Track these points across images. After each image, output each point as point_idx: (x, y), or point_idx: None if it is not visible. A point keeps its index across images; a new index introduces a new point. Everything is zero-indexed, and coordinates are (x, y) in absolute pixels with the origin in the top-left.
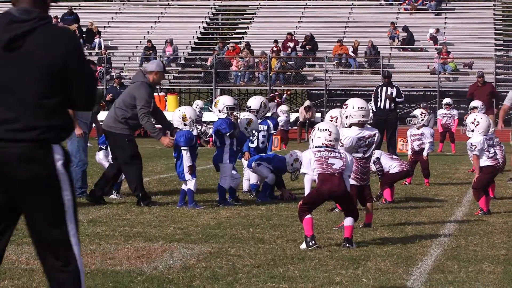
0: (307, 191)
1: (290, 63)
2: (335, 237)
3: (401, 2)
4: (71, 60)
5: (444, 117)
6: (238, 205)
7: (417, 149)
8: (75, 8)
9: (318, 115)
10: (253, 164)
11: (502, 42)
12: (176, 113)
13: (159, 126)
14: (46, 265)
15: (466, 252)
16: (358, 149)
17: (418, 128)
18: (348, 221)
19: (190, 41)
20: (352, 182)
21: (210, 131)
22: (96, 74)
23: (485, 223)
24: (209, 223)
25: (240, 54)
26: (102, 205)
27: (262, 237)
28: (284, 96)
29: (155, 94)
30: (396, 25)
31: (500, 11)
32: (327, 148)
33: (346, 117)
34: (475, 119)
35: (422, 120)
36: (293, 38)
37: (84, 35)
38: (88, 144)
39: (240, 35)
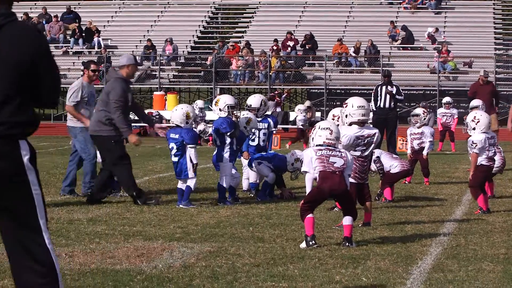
0: (308, 190)
1: (290, 62)
2: (335, 236)
3: (401, 1)
4: (38, 57)
5: (443, 116)
6: (238, 204)
7: (417, 148)
8: (74, 7)
9: (318, 114)
10: (254, 162)
11: (502, 41)
12: (179, 111)
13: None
14: (18, 266)
15: (466, 251)
16: (356, 147)
17: (419, 127)
18: (347, 220)
19: (190, 40)
20: (351, 180)
21: (210, 130)
22: (97, 73)
23: (484, 222)
24: (208, 222)
25: (240, 53)
26: (101, 204)
27: (261, 236)
28: (284, 95)
29: (156, 93)
30: (396, 24)
31: (500, 10)
32: (328, 147)
33: (346, 116)
34: (475, 117)
35: (425, 119)
36: (293, 37)
37: (83, 34)
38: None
39: (240, 34)
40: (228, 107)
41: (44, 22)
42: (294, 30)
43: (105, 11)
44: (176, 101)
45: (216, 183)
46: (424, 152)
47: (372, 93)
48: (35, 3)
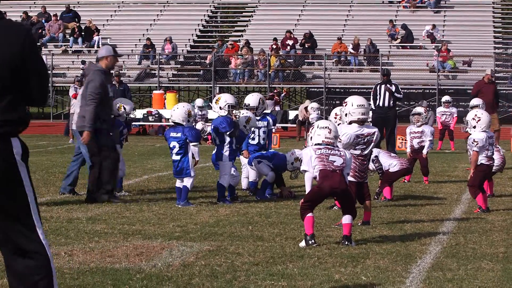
0: (308, 189)
1: (289, 61)
2: (334, 235)
3: (401, 0)
4: (25, 55)
5: (443, 115)
6: (237, 203)
7: (417, 147)
8: (73, 6)
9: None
10: (254, 161)
11: (501, 40)
12: (180, 110)
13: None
14: (12, 266)
15: (465, 250)
16: (356, 146)
17: (419, 126)
18: (346, 219)
19: (189, 39)
20: (350, 179)
21: (208, 129)
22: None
23: (484, 221)
24: (208, 221)
25: (239, 52)
26: (101, 203)
27: (261, 235)
28: (283, 94)
29: (155, 92)
30: (395, 23)
31: (499, 9)
32: (327, 146)
33: (346, 114)
34: (476, 115)
35: (426, 117)
36: (292, 36)
37: (83, 33)
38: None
39: (239, 33)
40: (228, 106)
41: (43, 21)
42: (293, 29)
43: (104, 10)
44: (175, 100)
45: (215, 182)
46: (424, 151)
47: (371, 92)
48: (34, 2)
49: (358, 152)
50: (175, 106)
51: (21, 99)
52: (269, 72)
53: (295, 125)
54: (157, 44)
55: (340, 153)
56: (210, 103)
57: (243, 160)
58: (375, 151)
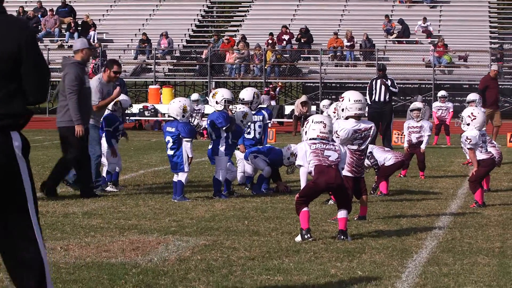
0: (303, 183)
1: (285, 56)
2: (330, 229)
3: None
4: (25, 50)
5: (439, 109)
6: (233, 198)
7: (415, 142)
8: (69, 1)
9: (313, 108)
10: (250, 156)
11: (497, 35)
12: (176, 104)
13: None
14: (8, 259)
15: (461, 245)
16: (354, 141)
17: (418, 121)
18: (341, 214)
19: (185, 34)
20: (347, 174)
21: (204, 124)
22: (118, 76)
23: (480, 216)
24: (204, 215)
25: (235, 47)
26: (97, 198)
27: (257, 229)
28: (278, 89)
29: (151, 86)
30: (391, 18)
31: (495, 4)
32: (322, 141)
33: (343, 110)
34: (472, 113)
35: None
36: (288, 30)
37: (79, 28)
38: None
39: (235, 28)
40: (225, 101)
41: (39, 15)
42: (289, 24)
43: (100, 5)
44: (171, 95)
45: (211, 176)
46: (423, 146)
47: (367, 87)
48: None
49: (355, 147)
50: (172, 101)
51: (21, 93)
52: (265, 67)
53: (291, 120)
54: (153, 39)
55: (335, 148)
56: (207, 97)
57: (239, 154)
58: (369, 147)
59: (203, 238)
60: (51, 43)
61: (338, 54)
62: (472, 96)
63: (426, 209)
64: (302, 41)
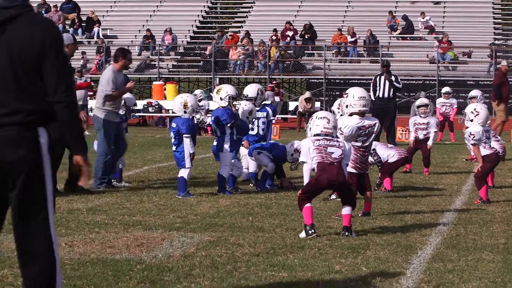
0: (306, 180)
1: (289, 52)
2: (335, 226)
3: None
4: (49, 48)
5: (443, 106)
6: (237, 194)
7: (422, 138)
8: None
9: (317, 104)
10: (254, 152)
11: (501, 31)
12: (177, 100)
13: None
14: (23, 253)
15: (466, 241)
16: (358, 138)
17: (425, 117)
18: (346, 210)
19: (189, 30)
20: (351, 170)
21: (208, 120)
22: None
23: (484, 212)
24: (208, 211)
25: (240, 43)
26: (101, 194)
27: (261, 225)
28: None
29: (155, 83)
30: (395, 14)
31: (499, 0)
32: (326, 137)
33: (347, 106)
34: (475, 109)
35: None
36: (292, 27)
37: (83, 24)
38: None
39: (239, 24)
40: (229, 97)
41: (43, 11)
42: (293, 20)
43: (104, 1)
44: (175, 91)
45: (215, 173)
46: (430, 143)
47: (371, 83)
48: None
49: (359, 143)
50: (175, 97)
51: (47, 90)
52: (269, 63)
53: (295, 116)
54: (157, 35)
55: (339, 144)
56: (211, 93)
57: (243, 151)
58: (372, 144)
59: (208, 234)
60: None
61: (342, 50)
62: (474, 92)
63: (430, 205)
64: (306, 37)
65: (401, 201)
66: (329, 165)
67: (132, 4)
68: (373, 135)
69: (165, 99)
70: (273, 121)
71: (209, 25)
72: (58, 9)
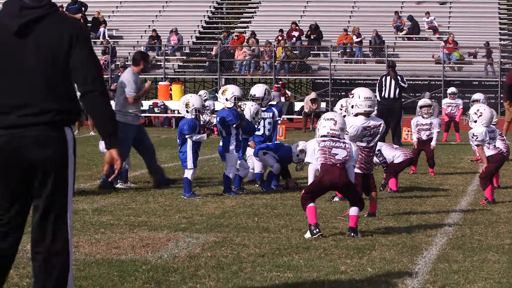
0: (310, 180)
1: (295, 52)
2: (340, 226)
3: None
4: (77, 45)
5: (448, 106)
6: (243, 195)
7: (425, 139)
8: None
9: (323, 105)
10: (259, 152)
11: (506, 31)
12: (180, 100)
13: None
14: (40, 250)
15: (471, 242)
16: (363, 138)
17: (427, 118)
18: (353, 211)
19: (195, 30)
20: (356, 171)
21: (214, 121)
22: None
23: (490, 213)
24: (214, 212)
25: (245, 43)
26: (107, 194)
27: (267, 226)
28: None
29: (161, 83)
30: (401, 14)
31: (505, 0)
32: (332, 138)
33: (352, 106)
34: (478, 110)
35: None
36: (297, 27)
37: (88, 24)
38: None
39: (245, 25)
40: (235, 98)
41: None
42: (299, 21)
43: (110, 1)
44: (181, 92)
45: (221, 173)
46: (433, 143)
47: (377, 83)
48: None
49: (364, 144)
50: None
51: (74, 90)
52: (275, 64)
53: (301, 117)
54: (162, 35)
55: (345, 146)
56: (216, 94)
57: (249, 151)
58: (378, 145)
59: (213, 235)
60: None
61: (347, 50)
62: (477, 95)
63: (436, 206)
64: (312, 37)
65: (406, 201)
66: (332, 166)
67: (138, 5)
68: (378, 135)
69: (171, 99)
70: (279, 122)
71: (215, 25)
72: (64, 10)
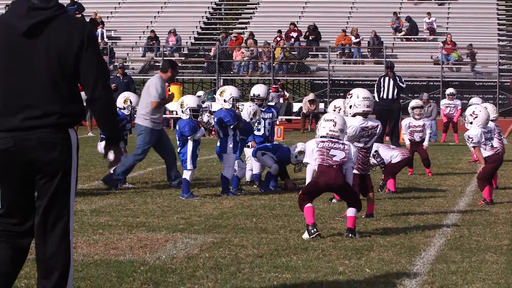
0: (308, 180)
1: (293, 53)
2: (338, 227)
3: None
4: (86, 47)
5: (447, 107)
6: (241, 195)
7: (418, 140)
8: None
9: (321, 106)
10: (258, 153)
11: (505, 32)
12: (177, 102)
13: None
14: (41, 251)
15: (469, 242)
16: (360, 139)
17: (419, 119)
18: (350, 212)
19: (193, 31)
20: (353, 171)
21: (212, 121)
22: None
23: (488, 213)
24: (212, 213)
25: (244, 44)
26: (105, 195)
27: (265, 227)
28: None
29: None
30: (399, 15)
31: (503, 1)
32: (331, 139)
33: (350, 106)
34: (473, 111)
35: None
36: (296, 28)
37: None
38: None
39: (243, 25)
40: (233, 99)
41: None
42: (297, 21)
43: (108, 2)
44: (179, 92)
45: (219, 174)
46: (425, 143)
47: (375, 84)
48: None
49: (361, 145)
50: None
51: (79, 93)
52: (273, 65)
53: (299, 118)
54: (161, 36)
55: (344, 147)
56: (214, 95)
57: (248, 152)
58: (375, 146)
59: (211, 236)
60: None
61: (346, 51)
62: (475, 100)
63: (434, 206)
64: (310, 38)
65: (404, 202)
66: (328, 167)
67: (136, 5)
68: (375, 136)
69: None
70: (277, 123)
71: (213, 26)
72: None
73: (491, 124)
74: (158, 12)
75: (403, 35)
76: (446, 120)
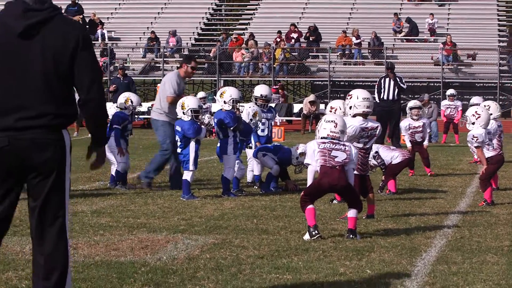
0: (309, 181)
1: (293, 54)
2: (339, 228)
3: None
4: (81, 48)
5: (447, 108)
6: (242, 196)
7: (420, 140)
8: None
9: (322, 106)
10: (259, 154)
11: (505, 33)
12: (178, 104)
13: None
14: (39, 252)
15: (470, 243)
16: (360, 139)
17: (417, 120)
18: (351, 213)
19: (193, 32)
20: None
21: (213, 122)
22: (194, 72)
23: (489, 214)
24: (213, 214)
25: (244, 45)
26: (105, 196)
27: (266, 228)
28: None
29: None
30: (400, 16)
31: (504, 2)
32: (332, 140)
33: (350, 107)
34: (476, 111)
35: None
36: (296, 29)
37: (87, 26)
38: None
39: (244, 26)
40: (233, 100)
41: None
42: (298, 22)
43: (108, 3)
44: None
45: (220, 175)
46: (426, 143)
47: (376, 85)
48: None
49: (360, 145)
50: None
51: (73, 95)
52: (274, 65)
53: (299, 119)
54: (161, 37)
55: (345, 148)
56: (214, 96)
57: (249, 153)
58: (375, 147)
59: (212, 237)
60: None
61: (346, 52)
62: (476, 99)
63: (434, 207)
64: (311, 39)
65: (405, 203)
66: (331, 168)
67: (136, 6)
68: (375, 137)
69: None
70: (277, 123)
71: (213, 27)
72: (64, 12)
73: (493, 125)
74: (159, 13)
75: (403, 36)
76: (446, 121)
